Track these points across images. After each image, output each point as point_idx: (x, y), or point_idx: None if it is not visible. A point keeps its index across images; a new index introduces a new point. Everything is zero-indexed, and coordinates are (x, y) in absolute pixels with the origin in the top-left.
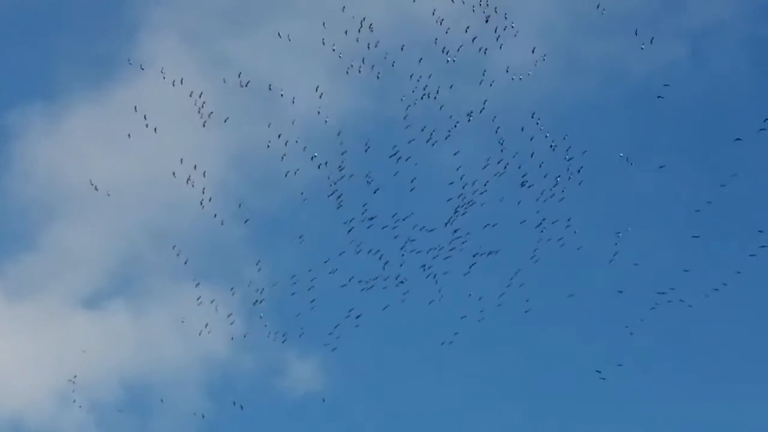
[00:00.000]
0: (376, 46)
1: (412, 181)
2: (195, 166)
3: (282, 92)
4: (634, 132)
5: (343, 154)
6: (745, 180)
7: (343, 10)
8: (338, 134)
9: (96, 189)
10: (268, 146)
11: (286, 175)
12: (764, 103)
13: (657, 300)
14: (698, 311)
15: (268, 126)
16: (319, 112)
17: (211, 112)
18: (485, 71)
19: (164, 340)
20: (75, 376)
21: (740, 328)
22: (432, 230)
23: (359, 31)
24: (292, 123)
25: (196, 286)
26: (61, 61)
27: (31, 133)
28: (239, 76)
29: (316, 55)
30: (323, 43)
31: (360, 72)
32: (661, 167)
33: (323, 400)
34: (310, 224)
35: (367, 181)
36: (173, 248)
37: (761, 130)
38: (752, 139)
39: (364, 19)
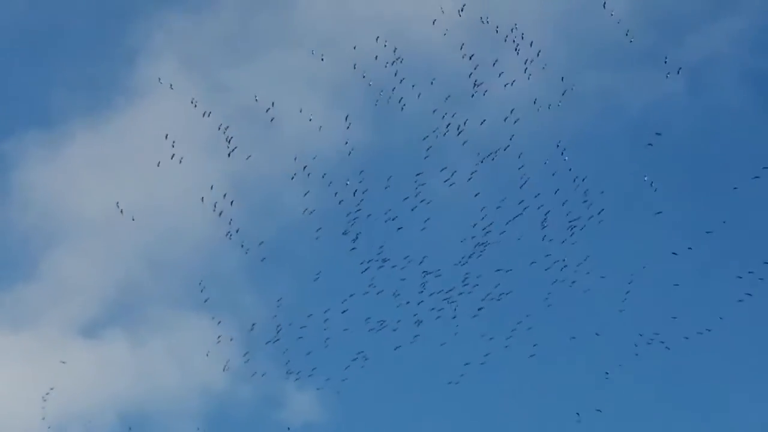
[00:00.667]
0: (401, 81)
1: (426, 221)
2: (224, 195)
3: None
4: (631, 167)
5: (364, 192)
6: (734, 225)
7: (376, 40)
8: (360, 172)
9: (122, 212)
10: (293, 178)
11: (303, 213)
12: (761, 138)
13: (637, 341)
14: (685, 353)
15: (294, 160)
16: (346, 143)
17: (235, 148)
18: (513, 109)
19: (162, 370)
20: (52, 388)
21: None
22: (441, 274)
23: (392, 63)
24: (314, 158)
25: (218, 324)
26: (58, 88)
27: (29, 161)
28: (243, 99)
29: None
30: (354, 67)
31: (388, 102)
32: (657, 213)
33: (288, 429)
34: (325, 262)
35: (385, 220)
36: (199, 284)
37: (755, 177)
38: (746, 184)
39: (395, 49)
